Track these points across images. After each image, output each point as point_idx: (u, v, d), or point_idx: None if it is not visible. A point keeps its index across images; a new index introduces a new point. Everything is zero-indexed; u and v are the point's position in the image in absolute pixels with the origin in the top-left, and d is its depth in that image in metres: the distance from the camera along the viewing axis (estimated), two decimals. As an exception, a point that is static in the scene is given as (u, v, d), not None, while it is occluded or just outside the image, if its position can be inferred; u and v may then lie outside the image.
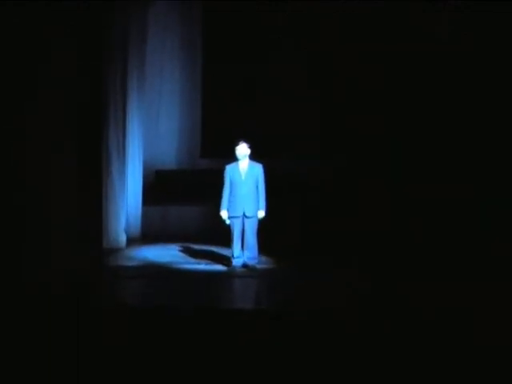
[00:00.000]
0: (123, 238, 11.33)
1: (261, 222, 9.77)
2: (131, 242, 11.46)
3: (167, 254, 10.85)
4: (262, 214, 9.74)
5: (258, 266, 9.85)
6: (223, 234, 9.93)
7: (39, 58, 10.01)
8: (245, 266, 9.84)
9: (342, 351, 6.51)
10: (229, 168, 9.79)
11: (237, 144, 9.80)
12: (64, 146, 10.19)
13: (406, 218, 11.08)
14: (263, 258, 10.14)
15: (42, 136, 10.04)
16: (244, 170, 9.75)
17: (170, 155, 13.71)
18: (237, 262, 9.86)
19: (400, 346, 6.63)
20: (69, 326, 6.94)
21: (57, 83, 10.12)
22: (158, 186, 13.20)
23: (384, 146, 12.48)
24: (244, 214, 9.72)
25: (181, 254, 10.85)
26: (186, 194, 12.83)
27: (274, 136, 13.19)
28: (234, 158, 9.83)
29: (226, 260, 10.11)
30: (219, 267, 9.97)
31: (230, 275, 9.66)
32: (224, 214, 9.78)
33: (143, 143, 12.09)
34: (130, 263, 10.28)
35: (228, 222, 9.78)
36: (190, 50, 13.78)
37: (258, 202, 9.71)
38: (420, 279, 9.02)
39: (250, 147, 9.81)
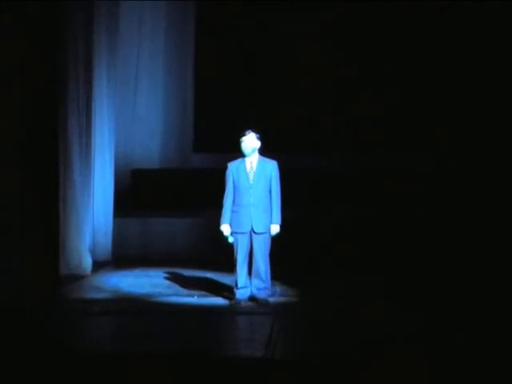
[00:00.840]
0: (88, 262, 10.61)
1: (275, 239, 8.89)
2: (99, 266, 10.87)
3: (147, 282, 10.18)
4: (276, 229, 8.83)
5: (271, 300, 8.99)
6: (224, 256, 9.18)
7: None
8: (253, 299, 8.96)
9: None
10: (232, 167, 8.91)
11: (242, 134, 8.87)
12: (9, 141, 9.64)
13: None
14: (277, 289, 9.46)
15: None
16: (252, 169, 8.87)
17: (151, 150, 13.27)
18: (242, 293, 8.96)
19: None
20: (15, 377, 6.36)
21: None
22: (134, 191, 12.92)
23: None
24: (252, 230, 8.82)
25: (166, 283, 10.17)
26: (172, 201, 12.56)
27: (284, 124, 13.00)
28: (238, 154, 8.95)
29: (227, 291, 9.37)
30: (218, 301, 9.18)
31: (232, 311, 8.84)
32: (225, 228, 8.89)
33: (115, 134, 11.51)
34: (96, 295, 9.56)
35: (231, 239, 8.92)
36: (180, 14, 13.47)
37: (271, 212, 8.80)
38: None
39: (259, 138, 8.85)
